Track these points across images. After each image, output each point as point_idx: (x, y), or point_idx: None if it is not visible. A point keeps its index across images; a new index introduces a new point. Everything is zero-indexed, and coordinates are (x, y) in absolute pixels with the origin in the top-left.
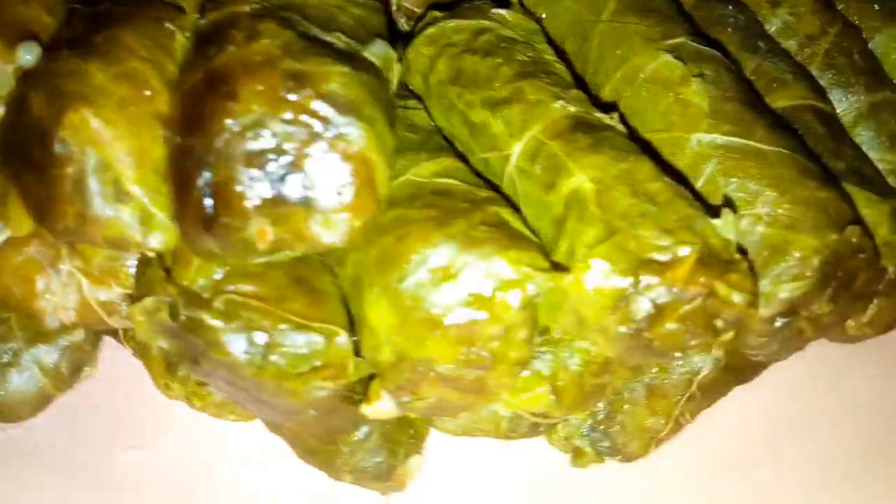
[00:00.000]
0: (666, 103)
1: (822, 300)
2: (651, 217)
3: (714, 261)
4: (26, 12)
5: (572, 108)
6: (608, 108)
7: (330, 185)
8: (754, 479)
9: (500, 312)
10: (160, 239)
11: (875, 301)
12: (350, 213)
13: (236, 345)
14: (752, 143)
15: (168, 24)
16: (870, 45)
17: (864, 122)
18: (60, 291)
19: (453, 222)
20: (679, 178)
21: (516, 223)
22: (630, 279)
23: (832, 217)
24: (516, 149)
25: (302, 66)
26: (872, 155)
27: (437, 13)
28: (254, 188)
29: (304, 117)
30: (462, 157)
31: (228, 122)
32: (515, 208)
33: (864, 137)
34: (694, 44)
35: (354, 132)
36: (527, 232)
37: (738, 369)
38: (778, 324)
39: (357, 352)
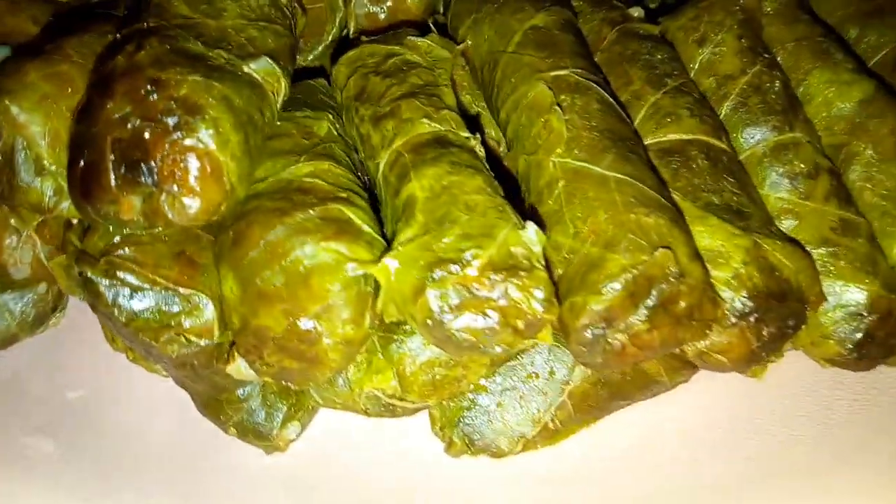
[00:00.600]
0: (537, 128)
1: (633, 316)
2: (460, 224)
3: (508, 266)
4: (13, 21)
5: (437, 126)
6: (476, 129)
7: (177, 173)
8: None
9: (318, 292)
10: (68, 206)
11: (715, 330)
12: (194, 197)
13: (111, 297)
14: (596, 168)
15: (111, 36)
16: (801, 86)
17: (768, 161)
18: (20, 249)
19: (294, 213)
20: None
21: (359, 221)
22: (425, 274)
23: (649, 241)
24: (384, 158)
25: (163, 74)
26: (774, 193)
27: (364, 38)
28: (116, 169)
29: (160, 116)
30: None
31: (103, 114)
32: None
33: (768, 175)
34: (575, 75)
35: (200, 131)
36: (366, 229)
37: (616, 386)
38: (589, 334)
39: None
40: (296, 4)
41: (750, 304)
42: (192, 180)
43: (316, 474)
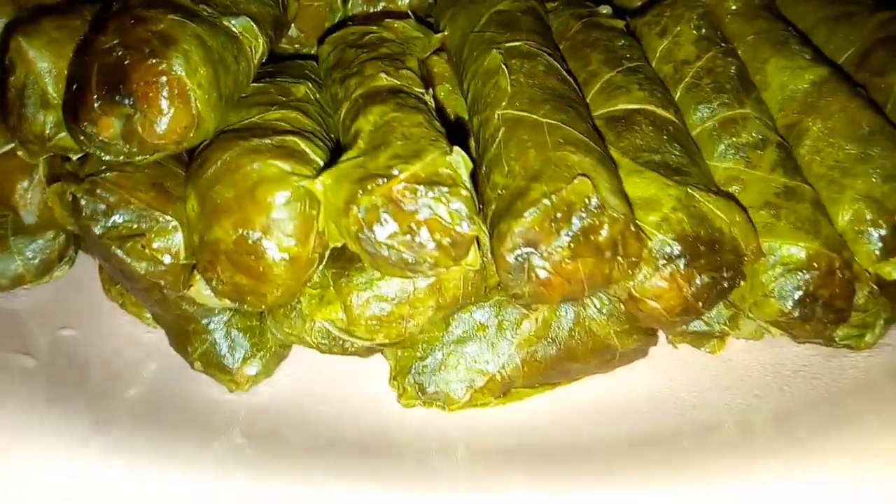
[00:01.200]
0: (488, 88)
1: (555, 242)
2: (394, 147)
3: (432, 181)
4: None
5: (394, 81)
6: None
7: (149, 94)
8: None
9: (262, 203)
10: (65, 136)
11: (645, 274)
12: (163, 117)
13: (89, 211)
14: (532, 116)
15: None
16: (759, 74)
17: (717, 134)
18: (31, 193)
19: (251, 140)
20: None
21: (311, 153)
22: (356, 187)
23: (571, 174)
24: (344, 107)
25: (147, 13)
26: (721, 163)
27: (350, 23)
28: (99, 91)
29: (139, 44)
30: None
31: (94, 46)
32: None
33: (717, 147)
34: (527, 45)
35: (172, 59)
36: (315, 158)
37: (564, 344)
38: (513, 259)
39: None
40: None
41: (677, 246)
42: (162, 102)
43: (281, 416)
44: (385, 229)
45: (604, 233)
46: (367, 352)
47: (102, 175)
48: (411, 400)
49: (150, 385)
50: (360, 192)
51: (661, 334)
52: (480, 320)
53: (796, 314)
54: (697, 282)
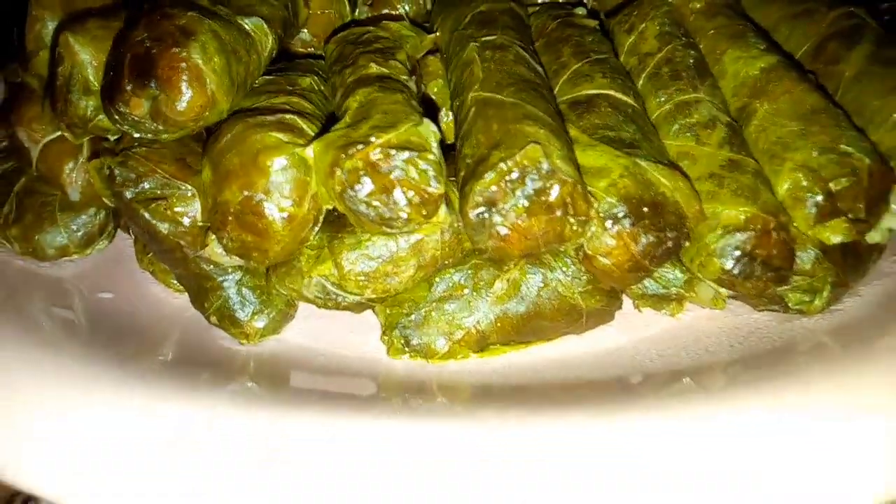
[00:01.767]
0: (465, 75)
1: (511, 201)
2: (374, 120)
3: (404, 146)
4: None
5: (382, 70)
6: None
7: (171, 77)
8: None
9: (263, 168)
10: (103, 118)
11: (595, 234)
12: (182, 97)
13: (121, 179)
14: (498, 96)
15: None
16: (717, 64)
17: (672, 115)
18: (76, 174)
19: (256, 117)
20: None
21: (307, 129)
22: (339, 153)
23: (524, 141)
24: (340, 92)
25: (171, 11)
26: (675, 141)
27: (353, 25)
28: (131, 76)
29: (165, 36)
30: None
31: (128, 39)
32: None
33: (672, 126)
34: (500, 39)
35: (191, 48)
36: (310, 133)
37: (534, 304)
38: (475, 216)
39: None
40: None
41: (623, 207)
42: (182, 84)
43: (285, 365)
44: (364, 188)
45: (554, 193)
46: (359, 307)
47: (133, 150)
48: (399, 352)
49: (174, 339)
50: (343, 156)
51: (629, 302)
52: (459, 281)
53: (736, 271)
54: (643, 240)
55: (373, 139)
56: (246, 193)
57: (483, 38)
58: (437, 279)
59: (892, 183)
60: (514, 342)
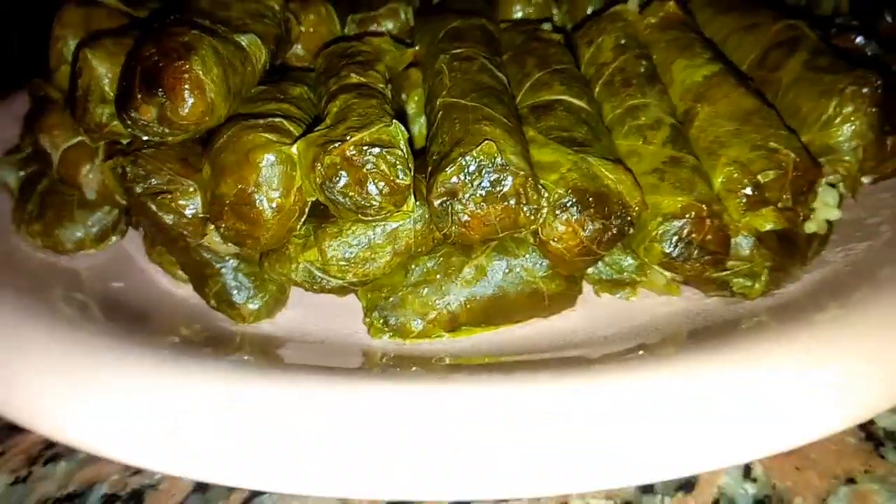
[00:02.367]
0: (436, 83)
1: (469, 192)
2: (350, 121)
3: (375, 143)
4: (108, 23)
5: (360, 79)
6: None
7: (175, 87)
8: None
9: (254, 164)
10: (116, 124)
11: (547, 222)
12: (185, 103)
13: (132, 176)
14: (462, 101)
15: None
16: (667, 73)
17: (622, 118)
18: (92, 175)
19: (249, 121)
20: None
21: (294, 131)
22: (319, 150)
23: (481, 139)
24: (324, 99)
25: (175, 29)
26: (625, 141)
27: (341, 40)
28: (141, 86)
29: (170, 51)
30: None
31: (138, 54)
32: None
33: (622, 129)
34: (468, 52)
35: (192, 61)
36: (296, 133)
37: (499, 288)
38: (439, 205)
39: None
40: (290, 15)
41: (570, 197)
42: (185, 93)
43: (278, 342)
44: (341, 180)
45: (507, 184)
46: (342, 291)
47: (143, 151)
48: (379, 332)
49: (179, 321)
50: (322, 153)
51: (591, 290)
52: (431, 267)
53: (675, 254)
54: (589, 226)
55: (348, 137)
56: (240, 187)
57: (453, 51)
58: (413, 266)
59: (817, 175)
60: (484, 324)
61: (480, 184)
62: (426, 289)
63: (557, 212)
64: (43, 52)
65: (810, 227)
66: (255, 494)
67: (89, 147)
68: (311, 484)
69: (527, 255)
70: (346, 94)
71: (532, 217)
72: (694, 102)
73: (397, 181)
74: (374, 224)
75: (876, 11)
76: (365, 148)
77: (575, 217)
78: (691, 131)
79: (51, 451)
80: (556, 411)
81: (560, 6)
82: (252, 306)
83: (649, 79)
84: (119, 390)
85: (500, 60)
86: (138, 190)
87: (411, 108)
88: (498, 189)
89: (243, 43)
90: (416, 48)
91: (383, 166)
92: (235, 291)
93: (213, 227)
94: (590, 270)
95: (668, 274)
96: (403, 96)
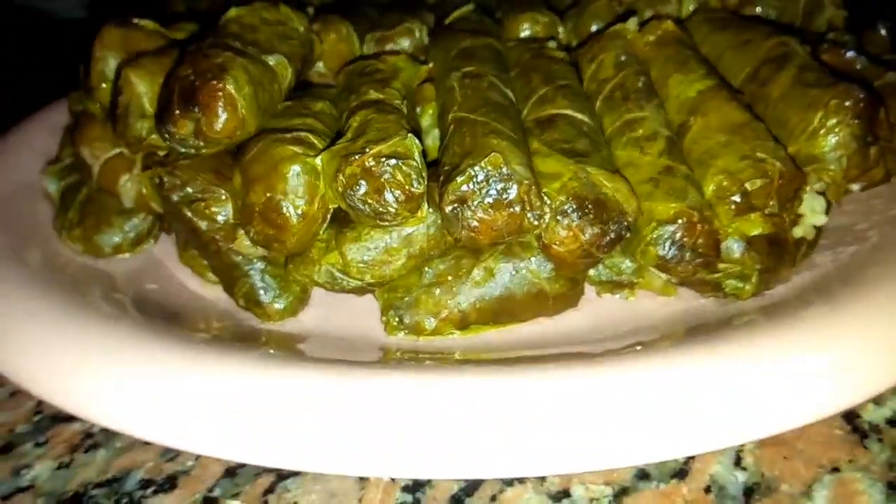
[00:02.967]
0: (448, 99)
1: (478, 199)
2: (368, 135)
3: (392, 155)
4: (146, 45)
5: (379, 95)
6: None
7: (210, 104)
8: None
9: (282, 174)
10: (155, 138)
11: (550, 227)
12: (219, 119)
13: (169, 185)
14: (471, 116)
15: None
16: (664, 88)
17: (621, 131)
18: (130, 184)
19: (277, 135)
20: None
21: (318, 143)
22: (341, 160)
23: (488, 151)
24: (345, 115)
25: (210, 51)
26: (623, 151)
27: (360, 59)
28: (179, 103)
29: (205, 71)
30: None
31: (176, 73)
32: None
33: (621, 140)
34: (477, 70)
35: (226, 80)
36: (320, 146)
37: (506, 289)
38: (450, 211)
39: None
40: (313, 36)
41: (571, 204)
42: (218, 109)
43: (301, 338)
44: (361, 189)
45: (512, 192)
46: (361, 291)
47: (179, 162)
48: (395, 330)
49: (210, 319)
50: (344, 164)
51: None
52: (444, 269)
53: (669, 257)
54: (589, 231)
55: (367, 150)
56: (268, 195)
57: (464, 69)
58: (427, 268)
59: (801, 183)
60: (492, 322)
61: (488, 192)
62: (438, 289)
63: (559, 217)
64: (84, 71)
65: (798, 231)
66: (280, 479)
67: (127, 158)
68: (332, 463)
69: (532, 258)
70: (366, 110)
71: (535, 222)
72: (688, 116)
73: (412, 189)
74: (390, 229)
75: (870, 24)
76: (382, 159)
77: (575, 222)
78: (685, 143)
79: (91, 441)
80: (560, 398)
81: (566, 24)
82: (277, 305)
83: (647, 94)
84: (159, 377)
85: (507, 77)
86: (175, 198)
87: (425, 122)
88: (504, 196)
89: (271, 63)
90: (430, 65)
91: (399, 176)
92: (262, 292)
93: (242, 231)
94: (591, 272)
95: (663, 276)
96: (418, 110)
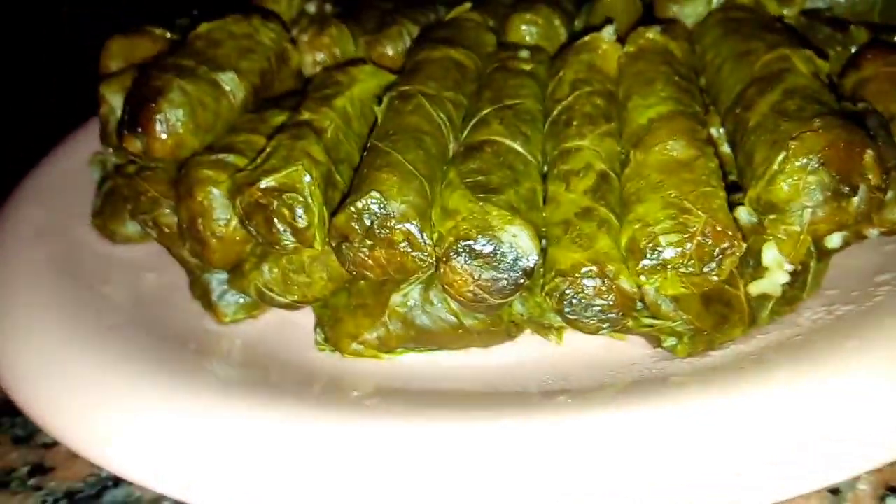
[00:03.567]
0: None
1: (359, 237)
2: (266, 164)
3: (281, 188)
4: (149, 51)
5: (310, 115)
6: None
7: (148, 125)
8: None
9: (195, 198)
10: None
11: (442, 269)
12: (157, 138)
13: (126, 194)
14: (379, 144)
15: None
16: (624, 110)
17: (555, 161)
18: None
19: (203, 156)
20: None
21: (236, 163)
22: (236, 193)
23: (370, 187)
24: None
25: (152, 74)
26: (551, 186)
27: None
28: (128, 126)
29: (146, 93)
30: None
31: (128, 97)
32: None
33: (554, 170)
34: (412, 88)
35: (161, 103)
36: (239, 166)
37: (435, 322)
38: (335, 245)
39: None
40: (287, 45)
41: (459, 246)
42: (156, 130)
43: (257, 340)
44: (253, 219)
45: (392, 232)
46: (290, 307)
47: (138, 174)
48: (322, 347)
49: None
50: (237, 193)
51: None
52: (367, 293)
53: (565, 311)
54: (481, 275)
55: (259, 179)
56: (189, 216)
57: (400, 87)
58: (354, 289)
59: (729, 241)
60: (417, 348)
61: (369, 229)
62: (361, 311)
63: (452, 257)
64: None
65: (756, 289)
66: None
67: None
68: None
69: None
70: (282, 134)
71: (420, 263)
72: (632, 147)
73: (297, 223)
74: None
75: None
76: (271, 191)
77: (461, 266)
78: (622, 178)
79: None
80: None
81: (577, 21)
82: (225, 309)
83: (594, 119)
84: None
85: (459, 95)
86: (129, 207)
87: None
88: (382, 235)
89: (222, 79)
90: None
91: (283, 209)
92: (212, 295)
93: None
94: (517, 310)
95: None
96: None
